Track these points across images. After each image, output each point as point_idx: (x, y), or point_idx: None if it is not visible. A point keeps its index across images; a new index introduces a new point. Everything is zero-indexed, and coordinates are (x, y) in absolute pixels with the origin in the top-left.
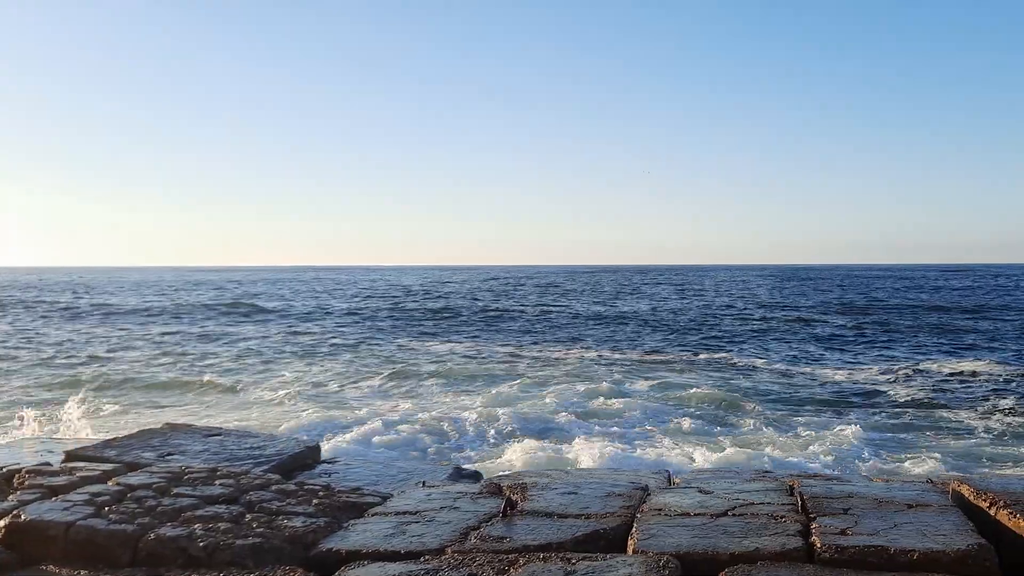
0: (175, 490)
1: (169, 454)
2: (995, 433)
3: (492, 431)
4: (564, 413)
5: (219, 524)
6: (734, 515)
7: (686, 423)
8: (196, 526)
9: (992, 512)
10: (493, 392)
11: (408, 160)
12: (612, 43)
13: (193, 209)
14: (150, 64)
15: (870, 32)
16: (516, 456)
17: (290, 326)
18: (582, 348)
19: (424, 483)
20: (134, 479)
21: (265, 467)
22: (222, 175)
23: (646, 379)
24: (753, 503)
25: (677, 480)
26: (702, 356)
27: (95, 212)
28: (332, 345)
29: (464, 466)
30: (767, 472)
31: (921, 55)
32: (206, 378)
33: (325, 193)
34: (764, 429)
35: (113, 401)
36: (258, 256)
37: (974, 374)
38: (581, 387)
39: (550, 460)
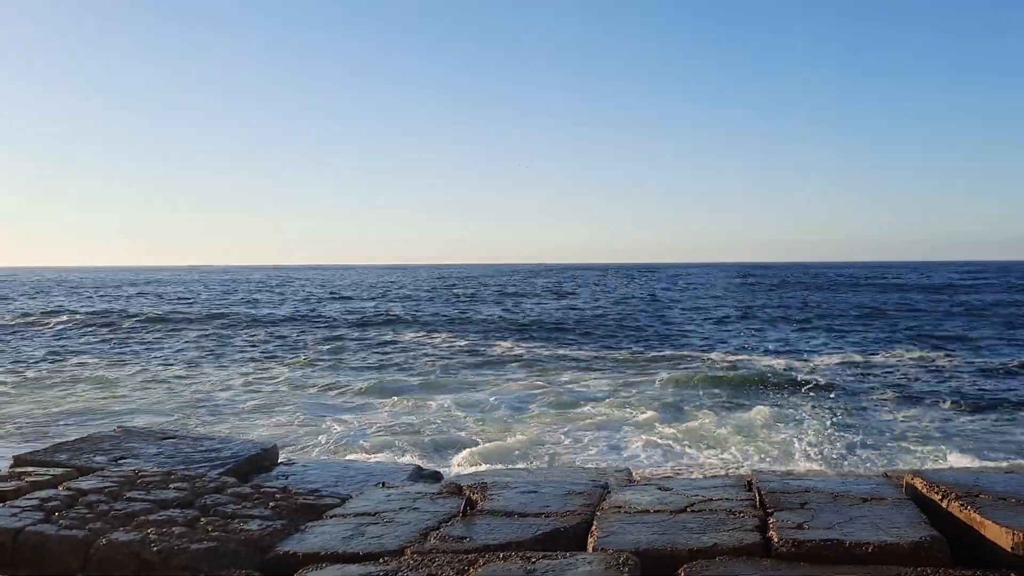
0: (128, 494)
1: (122, 458)
2: (944, 423)
3: (452, 431)
4: (523, 411)
5: (173, 528)
6: (693, 511)
7: (645, 419)
8: (150, 531)
9: (944, 504)
10: (449, 392)
11: (389, 160)
12: (587, 45)
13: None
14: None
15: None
16: (476, 456)
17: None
18: (534, 345)
19: (384, 484)
20: (85, 484)
21: (221, 470)
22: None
23: (602, 375)
24: (712, 499)
25: (638, 477)
26: (657, 351)
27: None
28: (284, 346)
29: (424, 466)
30: (725, 468)
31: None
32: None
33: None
34: (723, 425)
35: None
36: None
37: (924, 364)
38: (537, 386)
39: (510, 459)
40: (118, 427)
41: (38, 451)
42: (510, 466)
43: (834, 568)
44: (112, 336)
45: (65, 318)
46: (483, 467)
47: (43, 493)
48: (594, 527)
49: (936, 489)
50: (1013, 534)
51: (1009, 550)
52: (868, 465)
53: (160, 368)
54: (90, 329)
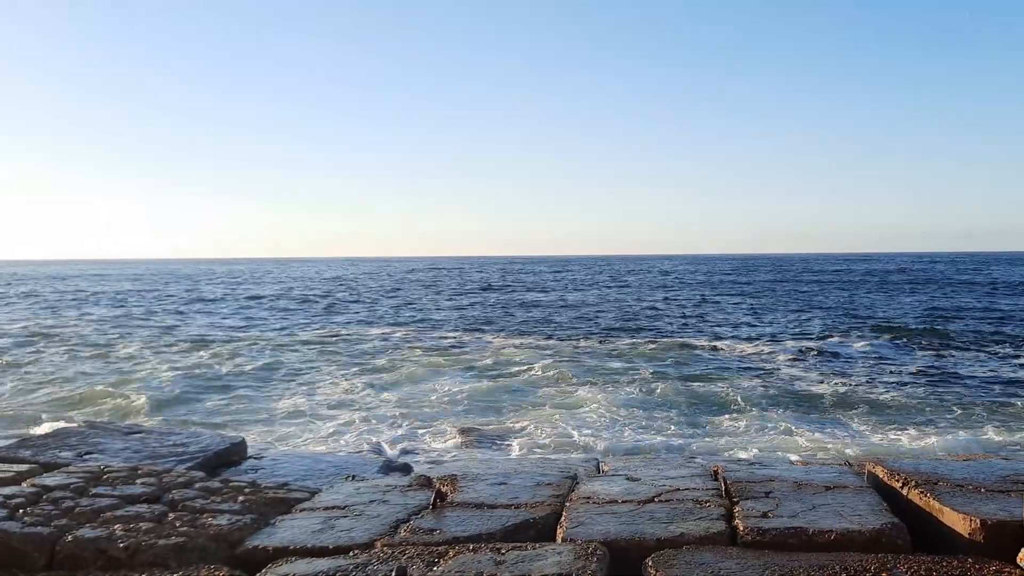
0: (94, 490)
1: (88, 453)
2: (907, 408)
3: (421, 423)
4: (494, 402)
5: (141, 524)
6: (660, 501)
7: (615, 409)
8: (116, 527)
9: (904, 492)
10: (420, 383)
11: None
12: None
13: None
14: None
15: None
16: (446, 448)
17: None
18: (506, 335)
19: (353, 477)
20: (50, 480)
21: (189, 464)
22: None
23: (576, 364)
24: (679, 489)
25: (606, 467)
26: (627, 340)
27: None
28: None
29: (394, 459)
30: (692, 458)
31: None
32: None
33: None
34: (691, 414)
35: None
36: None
37: (879, 354)
38: (509, 375)
39: (481, 451)
40: (84, 421)
41: (1, 447)
42: (480, 457)
43: (798, 555)
44: None
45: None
46: (453, 459)
47: (7, 490)
48: (563, 518)
49: (896, 477)
50: (971, 521)
51: (967, 536)
52: (831, 452)
53: None
54: None
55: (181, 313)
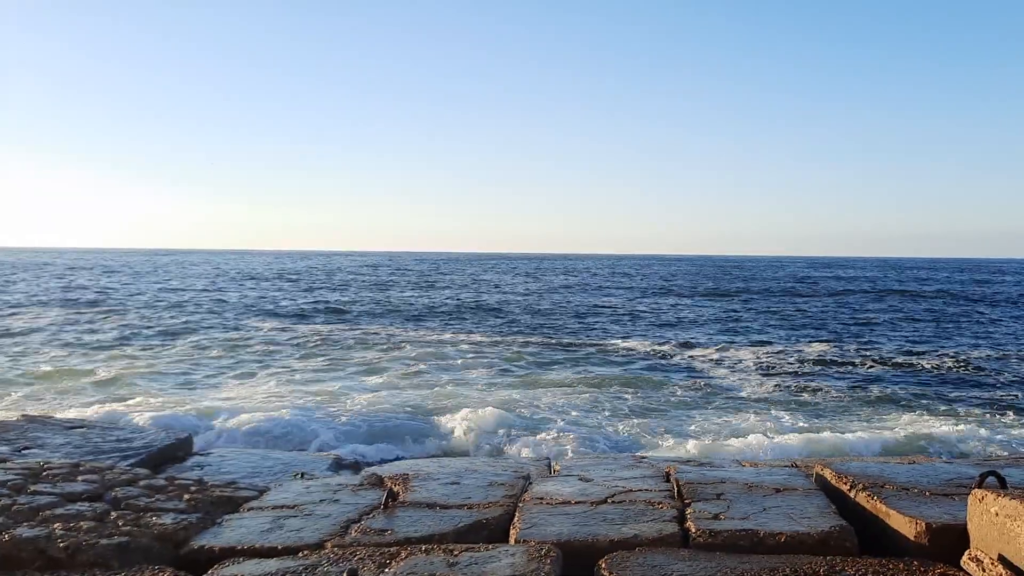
0: (33, 487)
1: (26, 448)
2: (853, 411)
3: (372, 421)
4: (435, 398)
5: (81, 523)
6: (613, 502)
7: (560, 408)
8: (56, 526)
9: (852, 495)
10: (370, 377)
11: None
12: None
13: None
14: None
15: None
16: (398, 446)
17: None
18: (451, 332)
19: (303, 475)
20: None
21: (132, 461)
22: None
23: (516, 366)
24: (631, 490)
25: (557, 467)
26: (569, 340)
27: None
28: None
29: (344, 456)
30: (643, 458)
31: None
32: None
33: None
34: (638, 413)
35: None
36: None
37: (828, 358)
38: (452, 376)
39: (429, 449)
40: (22, 415)
41: None
42: (429, 456)
43: (749, 557)
44: None
45: None
46: (401, 457)
47: None
48: (516, 519)
49: (844, 479)
50: (916, 524)
51: (913, 539)
52: (779, 454)
53: None
54: None
55: (116, 305)
